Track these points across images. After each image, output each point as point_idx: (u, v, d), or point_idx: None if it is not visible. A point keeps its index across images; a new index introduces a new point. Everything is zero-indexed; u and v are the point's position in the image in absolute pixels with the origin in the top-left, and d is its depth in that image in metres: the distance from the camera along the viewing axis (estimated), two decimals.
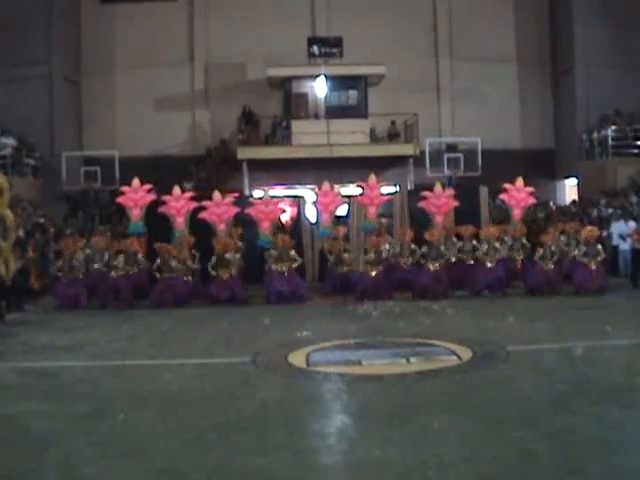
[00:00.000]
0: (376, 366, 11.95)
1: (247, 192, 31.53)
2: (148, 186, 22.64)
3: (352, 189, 28.42)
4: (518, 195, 23.24)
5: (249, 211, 22.36)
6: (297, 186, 32.47)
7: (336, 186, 24.54)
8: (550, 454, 7.41)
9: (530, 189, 23.47)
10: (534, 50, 37.02)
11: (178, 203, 22.33)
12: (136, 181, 22.72)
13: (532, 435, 7.99)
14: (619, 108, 33.16)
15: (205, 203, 22.26)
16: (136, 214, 22.41)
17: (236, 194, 24.33)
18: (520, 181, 23.42)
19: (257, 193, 28.29)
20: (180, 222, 22.15)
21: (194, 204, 22.43)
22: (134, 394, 10.37)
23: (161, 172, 29.18)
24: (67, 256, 20.18)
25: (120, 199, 22.86)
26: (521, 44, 36.91)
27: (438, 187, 23.53)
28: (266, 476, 7.17)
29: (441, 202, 22.99)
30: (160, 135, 34.70)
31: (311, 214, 24.21)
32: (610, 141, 31.93)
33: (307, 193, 27.23)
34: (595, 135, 32.90)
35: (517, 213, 23.14)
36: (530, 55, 36.95)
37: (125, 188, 22.90)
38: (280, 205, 23.38)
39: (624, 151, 31.92)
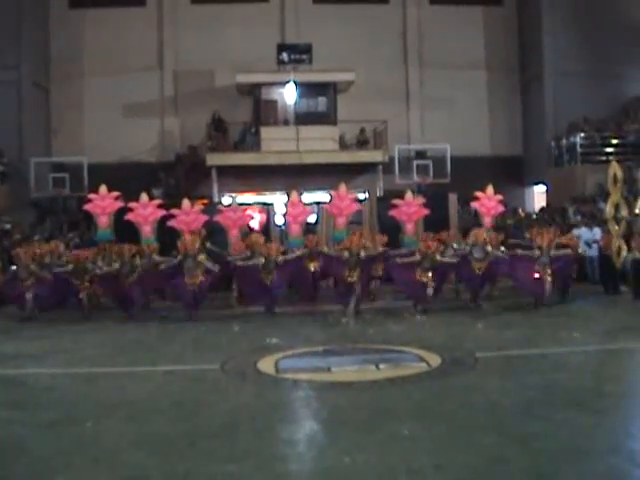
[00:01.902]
0: (345, 373, 11.93)
1: (216, 198, 31.52)
2: (115, 193, 22.46)
3: (321, 195, 28.41)
4: (489, 203, 23.15)
5: (217, 218, 22.21)
6: (266, 192, 32.47)
7: (305, 193, 24.40)
8: (519, 460, 7.43)
9: (500, 197, 23.46)
10: (503, 57, 37.23)
11: (145, 211, 22.07)
12: (103, 188, 22.53)
13: (501, 441, 8.01)
14: (587, 115, 33.43)
15: (174, 211, 22.06)
16: (103, 221, 22.20)
17: (205, 201, 24.24)
18: (490, 189, 23.34)
19: (226, 199, 28.22)
20: (147, 230, 21.82)
21: (162, 212, 22.21)
22: (102, 401, 10.31)
23: (130, 178, 29.04)
24: (22, 264, 19.63)
25: (87, 206, 22.63)
26: (490, 51, 37.11)
27: (409, 195, 23.41)
28: None
29: (412, 210, 22.86)
30: (129, 142, 34.52)
31: (280, 221, 24.17)
32: (579, 148, 32.16)
33: (276, 200, 27.18)
34: (564, 142, 33.14)
35: (488, 221, 22.98)
36: (499, 62, 37.15)
37: (92, 195, 22.71)
38: (248, 212, 23.28)
39: (592, 158, 32.10)
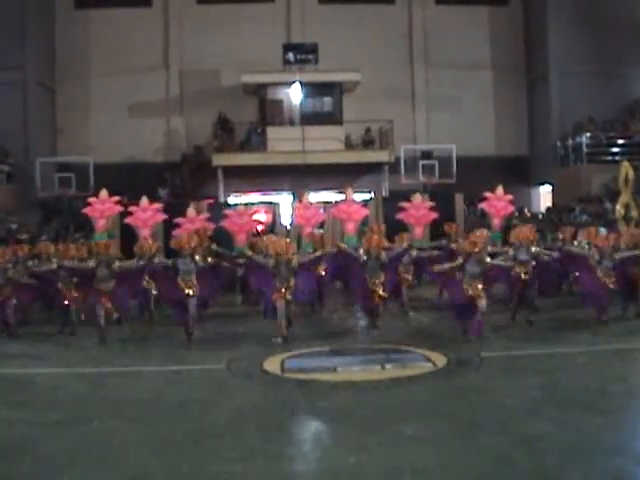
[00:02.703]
0: (351, 373, 11.93)
1: (222, 198, 31.53)
2: (116, 198, 22.38)
3: (327, 195, 28.30)
4: (498, 204, 22.69)
5: (223, 224, 21.50)
6: (272, 192, 32.48)
7: (311, 193, 24.22)
8: (524, 460, 7.42)
9: (509, 197, 22.98)
10: (509, 57, 37.16)
11: (144, 214, 21.70)
12: (104, 192, 22.41)
13: (506, 441, 8.00)
14: (593, 115, 33.38)
15: (179, 220, 21.27)
16: (101, 225, 21.99)
17: (210, 201, 24.09)
18: (500, 189, 22.88)
19: (232, 199, 28.12)
20: (145, 233, 21.18)
21: (162, 216, 21.97)
22: (107, 401, 10.31)
23: (136, 179, 29.15)
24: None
25: (86, 210, 22.46)
26: (496, 51, 37.07)
27: (417, 197, 22.76)
28: None
29: (420, 214, 22.14)
30: (135, 142, 34.57)
31: (286, 221, 24.02)
32: (584, 148, 32.13)
33: (282, 200, 27.11)
34: (569, 142, 33.12)
35: (497, 222, 22.48)
36: (505, 62, 37.09)
37: (92, 199, 22.57)
38: (255, 216, 22.79)
39: (598, 158, 32.11)
